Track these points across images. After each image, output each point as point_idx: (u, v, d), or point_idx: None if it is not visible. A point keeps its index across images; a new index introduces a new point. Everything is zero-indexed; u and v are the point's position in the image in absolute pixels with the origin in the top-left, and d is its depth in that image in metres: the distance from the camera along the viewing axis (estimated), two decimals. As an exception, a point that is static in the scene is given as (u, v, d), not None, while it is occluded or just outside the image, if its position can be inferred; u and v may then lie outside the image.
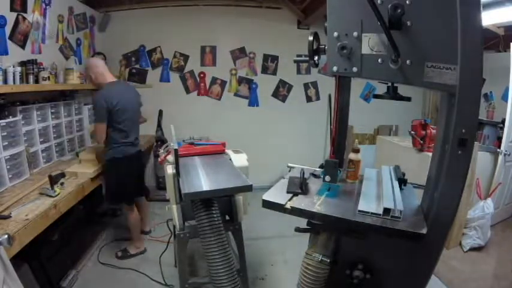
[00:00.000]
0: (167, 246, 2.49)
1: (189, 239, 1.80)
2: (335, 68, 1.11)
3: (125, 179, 2.48)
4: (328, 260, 1.18)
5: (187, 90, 4.04)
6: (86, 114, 3.09)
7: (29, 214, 1.62)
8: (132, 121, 2.49)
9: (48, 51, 2.63)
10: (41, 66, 2.38)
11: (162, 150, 2.26)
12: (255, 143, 3.83)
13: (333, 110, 1.25)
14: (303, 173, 1.29)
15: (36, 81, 2.32)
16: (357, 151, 1.42)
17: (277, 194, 1.23)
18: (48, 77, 2.39)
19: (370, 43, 1.05)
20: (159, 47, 3.89)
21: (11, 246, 1.28)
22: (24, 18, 2.29)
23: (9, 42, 2.16)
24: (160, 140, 3.05)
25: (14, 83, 2.10)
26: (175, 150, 1.68)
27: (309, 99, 4.28)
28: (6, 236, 1.20)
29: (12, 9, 2.18)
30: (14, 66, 2.11)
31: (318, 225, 1.21)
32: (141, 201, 2.87)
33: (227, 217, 1.93)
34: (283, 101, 4.23)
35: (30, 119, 2.31)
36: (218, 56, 3.99)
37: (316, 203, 1.16)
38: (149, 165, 3.97)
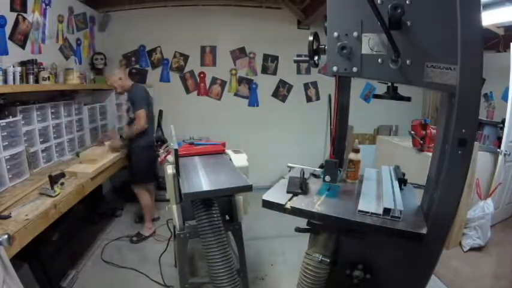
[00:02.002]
0: (167, 246, 2.49)
1: (189, 239, 1.80)
2: (335, 68, 1.11)
3: (152, 161, 2.92)
4: (328, 260, 1.18)
5: (187, 90, 4.04)
6: (86, 114, 3.09)
7: (29, 214, 1.62)
8: (153, 115, 3.00)
9: (48, 51, 2.63)
10: (41, 66, 2.38)
11: (162, 150, 2.27)
12: (255, 143, 3.83)
13: (333, 110, 1.25)
14: (303, 173, 1.29)
15: (36, 81, 2.31)
16: (357, 151, 1.42)
17: (277, 194, 1.23)
18: (48, 77, 2.38)
19: (370, 43, 1.05)
20: (159, 47, 3.89)
21: (11, 246, 1.28)
22: (24, 18, 2.29)
23: (9, 42, 2.17)
24: (160, 140, 3.06)
25: (14, 83, 2.10)
26: (175, 150, 1.68)
27: (309, 99, 4.28)
28: (6, 236, 1.20)
29: (12, 9, 2.18)
30: (14, 66, 2.11)
31: (318, 225, 1.21)
32: (152, 188, 3.13)
33: (227, 217, 1.93)
34: (283, 101, 4.23)
35: (30, 119, 2.30)
36: (218, 56, 3.99)
37: (316, 203, 1.16)
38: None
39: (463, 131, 0.96)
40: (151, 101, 2.98)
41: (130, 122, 2.87)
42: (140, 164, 2.87)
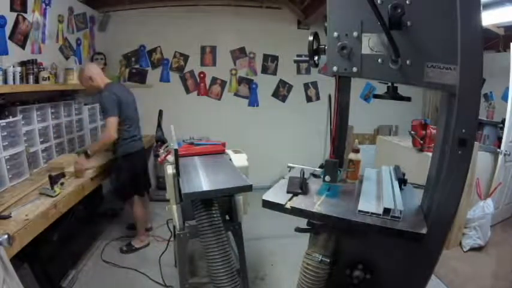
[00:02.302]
0: (167, 246, 2.49)
1: (189, 239, 1.80)
2: (335, 68, 1.11)
3: (138, 172, 2.65)
4: (328, 260, 1.18)
5: (187, 90, 4.04)
6: (86, 114, 3.09)
7: (29, 214, 1.62)
8: (134, 118, 2.62)
9: (48, 51, 2.63)
10: (41, 66, 2.38)
11: (162, 150, 2.26)
12: (255, 143, 3.83)
13: (333, 110, 1.25)
14: (303, 173, 1.29)
15: (36, 81, 2.31)
16: (357, 151, 1.42)
17: (277, 194, 1.23)
18: (48, 77, 2.38)
19: (370, 43, 1.05)
20: (159, 47, 3.89)
21: (11, 246, 1.28)
22: (24, 18, 2.29)
23: (9, 42, 2.16)
24: (160, 140, 3.05)
25: (14, 83, 2.10)
26: (175, 150, 1.68)
27: (309, 99, 4.28)
28: (6, 236, 1.20)
29: (12, 9, 2.18)
30: (14, 66, 2.11)
31: (318, 225, 1.21)
32: (145, 197, 2.95)
33: (227, 217, 1.93)
34: (283, 101, 4.23)
35: (30, 119, 2.30)
36: (218, 56, 3.99)
37: (316, 203, 1.16)
38: (149, 165, 3.97)
39: (463, 131, 0.96)
40: (130, 101, 2.56)
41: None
42: (123, 176, 2.54)
